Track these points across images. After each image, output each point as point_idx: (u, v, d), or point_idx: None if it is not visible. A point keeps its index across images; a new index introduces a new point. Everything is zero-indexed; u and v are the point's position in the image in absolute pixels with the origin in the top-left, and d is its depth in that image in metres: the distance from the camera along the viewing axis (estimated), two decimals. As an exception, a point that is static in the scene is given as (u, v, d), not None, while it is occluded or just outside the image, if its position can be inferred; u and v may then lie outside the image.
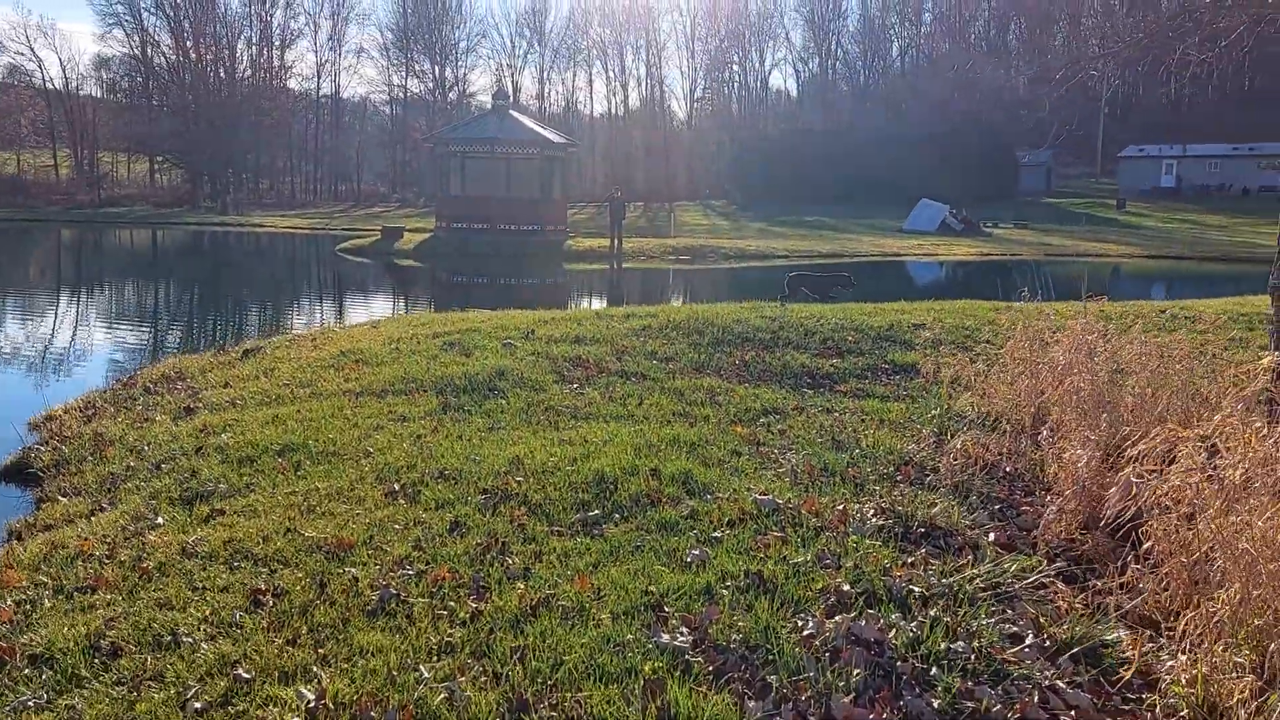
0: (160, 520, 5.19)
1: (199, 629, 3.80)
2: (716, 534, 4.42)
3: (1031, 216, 51.55)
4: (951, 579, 4.04)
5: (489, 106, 44.53)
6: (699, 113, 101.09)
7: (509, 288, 25.26)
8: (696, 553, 4.15)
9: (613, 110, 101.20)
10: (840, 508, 4.84)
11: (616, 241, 33.74)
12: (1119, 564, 4.59)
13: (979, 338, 10.49)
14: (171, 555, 4.59)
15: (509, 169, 37.51)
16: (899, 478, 5.60)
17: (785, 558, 4.13)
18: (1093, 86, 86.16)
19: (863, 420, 7.05)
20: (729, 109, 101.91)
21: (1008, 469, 5.92)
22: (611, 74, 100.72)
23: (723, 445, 6.06)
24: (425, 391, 7.67)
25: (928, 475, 5.67)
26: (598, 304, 23.28)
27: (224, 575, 4.30)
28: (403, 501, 5.07)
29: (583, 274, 30.03)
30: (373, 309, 20.52)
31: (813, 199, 59.59)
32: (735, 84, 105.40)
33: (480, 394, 7.54)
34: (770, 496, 4.90)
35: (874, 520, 4.69)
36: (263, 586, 4.11)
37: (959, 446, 5.62)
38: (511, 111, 42.86)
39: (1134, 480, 3.51)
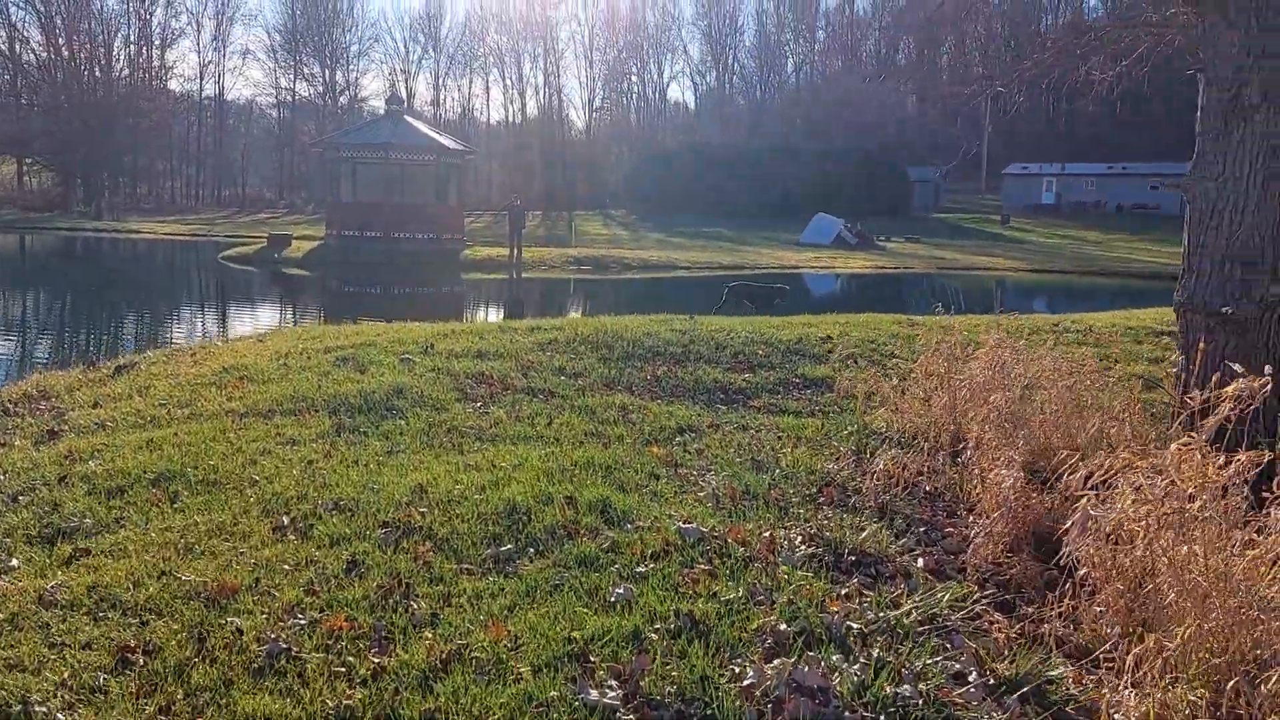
0: (14, 563, 4.60)
1: (55, 696, 3.30)
2: (640, 569, 4.11)
3: (922, 231, 53.01)
4: (888, 613, 3.83)
5: (382, 111, 43.41)
6: (598, 122, 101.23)
7: (405, 298, 24.55)
8: (621, 591, 3.83)
9: (510, 118, 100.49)
10: (767, 535, 4.59)
11: (516, 251, 33.24)
12: (1054, 591, 4.48)
13: (886, 351, 10.48)
14: (26, 605, 4.05)
15: (403, 175, 36.58)
16: (822, 500, 5.40)
17: (716, 594, 3.85)
18: (977, 106, 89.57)
19: (780, 438, 6.86)
20: (628, 119, 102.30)
21: (927, 488, 5.79)
22: (509, 82, 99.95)
23: (640, 468, 5.76)
24: (317, 411, 7.16)
25: (850, 497, 5.49)
26: (499, 316, 22.79)
27: (87, 629, 3.79)
28: (293, 537, 4.61)
29: (482, 284, 29.46)
30: (259, 321, 19.57)
31: (711, 211, 60.09)
32: (634, 95, 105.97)
33: (377, 414, 7.07)
34: (694, 525, 4.62)
35: (803, 549, 4.45)
36: (132, 642, 3.62)
37: (881, 467, 5.45)
38: (406, 117, 41.87)
39: (1091, 512, 3.35)
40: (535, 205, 64.64)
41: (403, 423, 6.83)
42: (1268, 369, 5.15)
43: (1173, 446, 3.46)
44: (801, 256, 38.01)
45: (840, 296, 30.58)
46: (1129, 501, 3.37)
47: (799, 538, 4.61)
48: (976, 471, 5.50)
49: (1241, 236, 6.18)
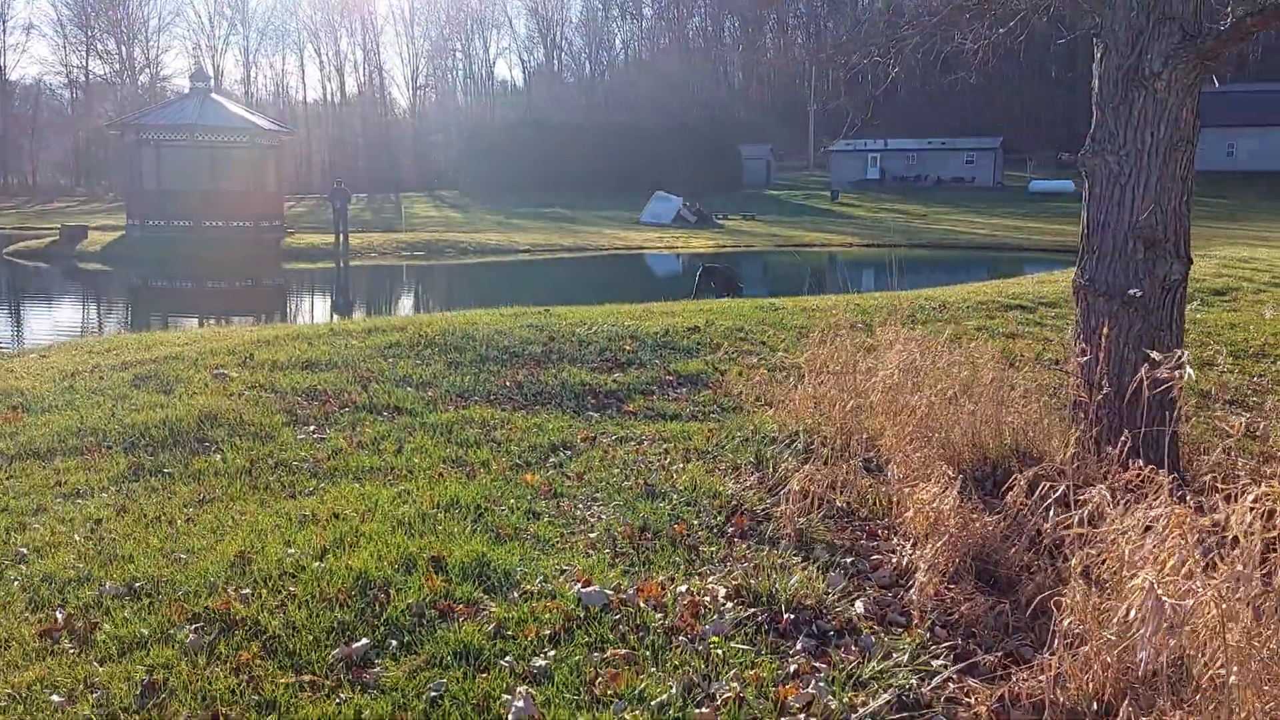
0: None
1: None
2: (539, 661, 3.22)
3: (757, 208, 53.57)
4: (853, 696, 3.09)
5: (187, 90, 40.06)
6: (423, 100, 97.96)
7: (219, 295, 22.46)
8: (521, 705, 2.93)
9: (329, 97, 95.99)
10: (684, 591, 3.79)
11: (342, 237, 31.25)
12: (1011, 634, 3.87)
13: (756, 339, 9.89)
14: None
15: (214, 158, 33.78)
16: (733, 530, 4.65)
17: (643, 696, 3.00)
18: (803, 84, 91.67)
19: (667, 451, 6.07)
20: (454, 97, 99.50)
21: (839, 504, 5.13)
22: (325, 58, 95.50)
23: (515, 504, 4.85)
24: (110, 449, 5.87)
25: (762, 523, 4.76)
26: (329, 313, 21.11)
27: None
28: (69, 645, 3.46)
29: (306, 275, 27.44)
30: (43, 331, 17.22)
31: (546, 191, 58.90)
32: (460, 72, 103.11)
33: (186, 449, 5.85)
34: (596, 587, 3.76)
35: (731, 609, 3.67)
36: None
37: (796, 489, 4.74)
38: (214, 95, 38.74)
39: (1156, 602, 2.67)
40: (360, 188, 61.63)
41: (219, 459, 5.64)
42: (1182, 353, 4.73)
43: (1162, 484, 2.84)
44: (645, 236, 37.47)
45: (686, 276, 30.26)
46: (1160, 561, 2.72)
47: (722, 591, 3.82)
48: (898, 487, 4.87)
49: (1144, 212, 5.78)
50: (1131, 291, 5.75)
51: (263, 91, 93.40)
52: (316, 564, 3.94)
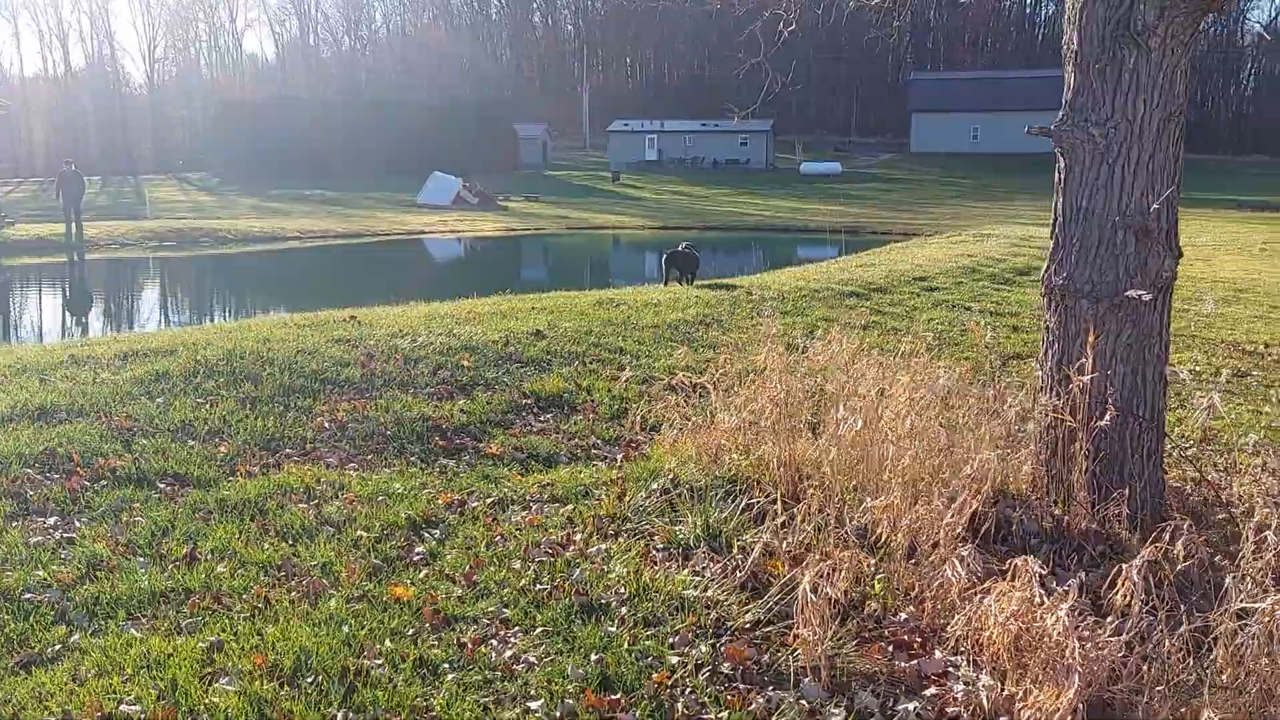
0: None
1: None
2: None
3: (539, 189, 51.96)
4: None
5: None
6: (162, 75, 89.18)
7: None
8: None
9: (51, 70, 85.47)
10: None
11: (75, 227, 26.93)
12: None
13: (611, 345, 8.44)
14: None
15: (-96, 136, 28.35)
16: (730, 669, 3.20)
17: None
18: (575, 62, 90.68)
19: (571, 520, 4.54)
20: (198, 71, 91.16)
21: (835, 594, 3.79)
22: (44, 27, 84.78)
23: (396, 653, 3.17)
24: None
25: (764, 651, 3.34)
26: (63, 326, 17.68)
27: None
28: None
29: (32, 273, 23.29)
30: None
31: (308, 172, 54.58)
32: (203, 44, 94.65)
33: None
34: None
35: None
36: None
37: (811, 594, 3.32)
38: (-99, 60, 32.68)
39: None
40: (93, 170, 54.82)
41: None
42: (1183, 372, 3.74)
43: None
44: (426, 220, 34.94)
45: (491, 265, 28.30)
46: None
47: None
48: (939, 583, 3.57)
49: (1135, 197, 4.79)
50: (1136, 294, 4.74)
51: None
52: None
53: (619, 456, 5.71)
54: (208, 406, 5.93)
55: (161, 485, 4.81)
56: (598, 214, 40.03)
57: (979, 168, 61.58)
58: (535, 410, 6.58)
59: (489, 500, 4.82)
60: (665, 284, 12.83)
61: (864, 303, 12.37)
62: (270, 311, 15.91)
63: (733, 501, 4.53)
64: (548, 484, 5.08)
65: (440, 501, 4.77)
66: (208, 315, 16.75)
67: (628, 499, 4.76)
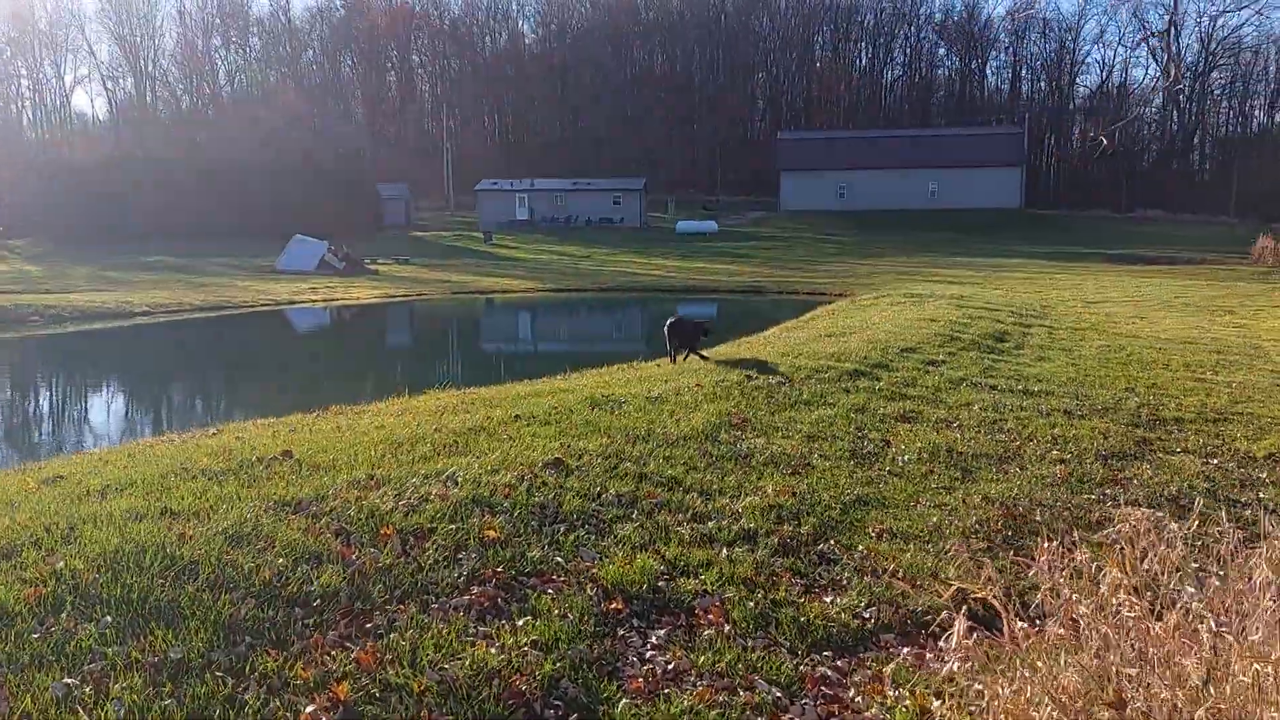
0: None
1: None
2: None
3: (409, 251, 48.92)
4: None
5: None
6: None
7: None
8: None
9: None
10: None
11: None
12: None
13: (656, 476, 6.03)
14: None
15: None
16: None
17: None
18: (435, 122, 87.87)
19: None
20: (20, 130, 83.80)
21: None
22: None
23: None
24: None
25: None
26: None
27: None
28: None
29: None
30: None
31: (148, 238, 49.81)
32: (27, 101, 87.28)
33: None
34: None
35: None
36: None
37: None
38: None
39: None
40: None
41: None
42: None
43: None
44: (293, 288, 31.46)
45: (390, 339, 25.22)
46: None
47: None
48: None
49: None
50: None
51: None
52: None
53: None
54: (86, 690, 3.19)
55: None
56: (481, 276, 37.42)
57: (848, 225, 62.08)
58: (635, 626, 4.10)
59: None
60: (673, 360, 11.25)
61: (875, 383, 10.41)
62: (141, 428, 12.66)
63: None
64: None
65: None
66: (49, 439, 12.54)
67: None
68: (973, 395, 10.21)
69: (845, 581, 4.69)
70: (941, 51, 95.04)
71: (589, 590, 4.25)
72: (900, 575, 4.83)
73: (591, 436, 6.87)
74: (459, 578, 4.21)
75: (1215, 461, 7.82)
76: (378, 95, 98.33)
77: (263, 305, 27.58)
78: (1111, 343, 15.29)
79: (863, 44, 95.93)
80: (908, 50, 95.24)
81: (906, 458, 7.36)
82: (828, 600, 4.44)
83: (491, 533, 4.71)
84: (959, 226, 59.12)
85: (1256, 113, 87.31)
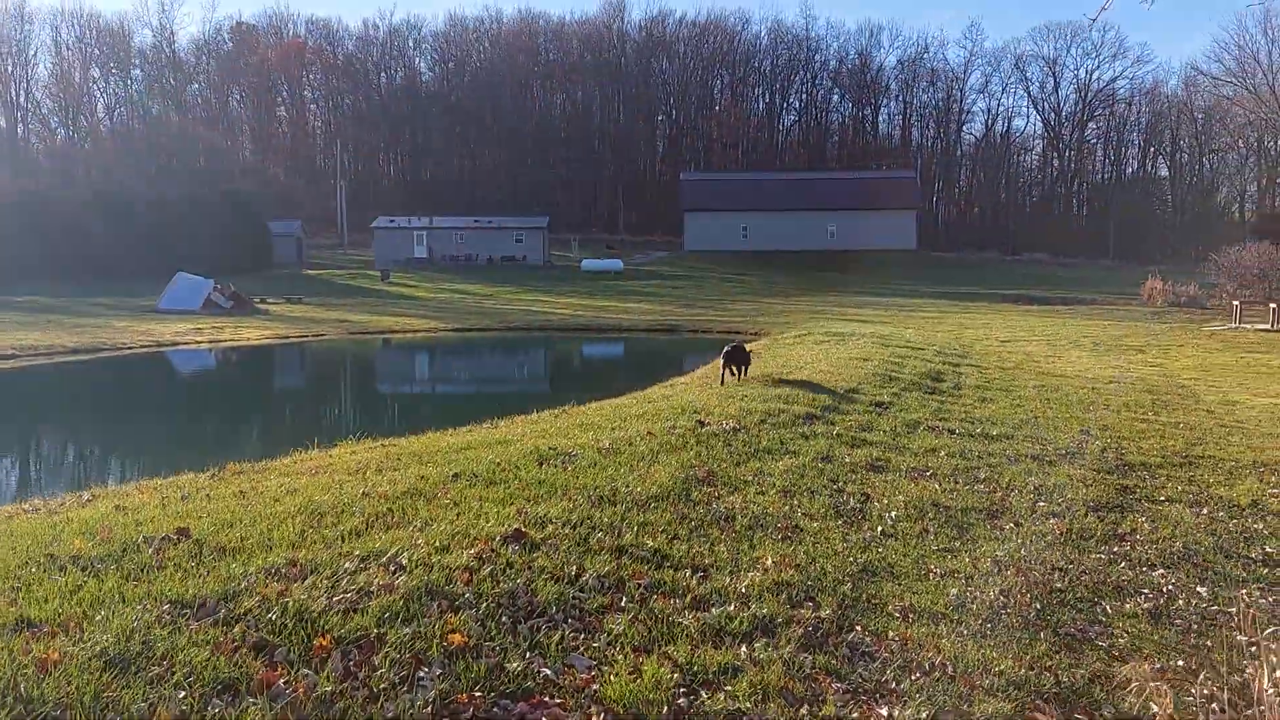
0: None
1: None
2: None
3: (301, 290, 46.77)
4: None
5: None
6: None
7: None
8: None
9: None
10: None
11: None
12: None
13: (635, 550, 5.11)
14: None
15: None
16: None
17: None
18: (327, 159, 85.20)
19: None
20: None
21: None
22: None
23: None
24: None
25: None
26: None
27: None
28: None
29: None
30: None
31: (15, 276, 46.33)
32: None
33: None
34: None
35: None
36: None
37: None
38: None
39: None
40: None
41: None
42: None
43: None
44: (176, 329, 29.31)
45: (283, 383, 23.45)
46: None
47: None
48: None
49: None
50: None
51: None
52: None
53: None
54: None
55: None
56: (379, 316, 35.81)
57: (752, 264, 62.35)
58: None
59: None
60: (723, 382, 13.12)
61: (831, 428, 9.74)
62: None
63: None
64: None
65: None
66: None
67: None
68: (934, 440, 9.62)
69: (894, 684, 3.84)
70: (836, 98, 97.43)
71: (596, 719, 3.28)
72: (949, 671, 4.02)
73: (550, 500, 5.90)
74: (425, 708, 3.19)
75: (1205, 511, 7.34)
76: (268, 130, 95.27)
77: (143, 347, 25.53)
78: (1045, 383, 15.03)
79: (760, 89, 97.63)
80: (804, 96, 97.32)
81: (893, 514, 6.64)
82: (884, 713, 3.57)
83: (456, 637, 3.70)
84: (859, 268, 59.98)
85: (1130, 160, 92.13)
